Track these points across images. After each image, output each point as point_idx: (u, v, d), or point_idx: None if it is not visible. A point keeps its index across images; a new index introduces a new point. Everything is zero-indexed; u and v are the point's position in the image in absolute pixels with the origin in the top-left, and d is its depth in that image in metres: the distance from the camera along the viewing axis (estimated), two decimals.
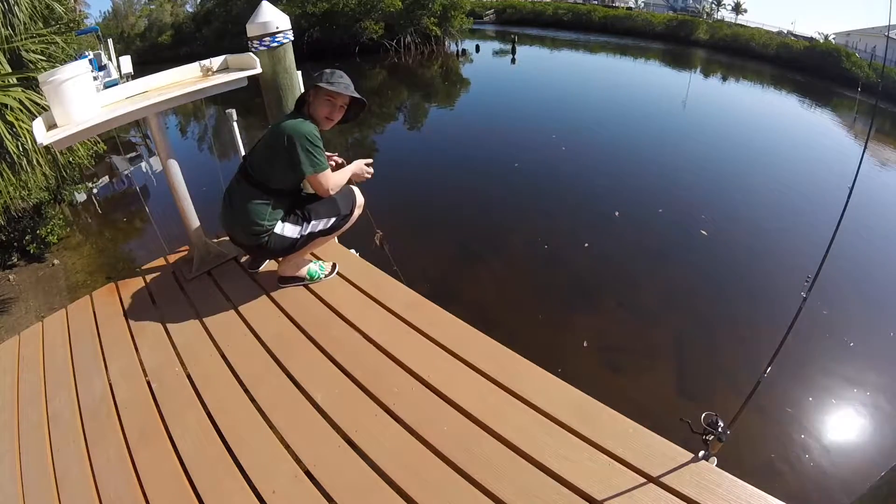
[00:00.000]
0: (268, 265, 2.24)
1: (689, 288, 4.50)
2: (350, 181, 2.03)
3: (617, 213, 5.80)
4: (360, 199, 2.04)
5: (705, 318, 4.11)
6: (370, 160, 2.07)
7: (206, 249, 2.30)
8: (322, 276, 2.10)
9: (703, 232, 5.47)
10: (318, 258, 2.23)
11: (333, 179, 1.88)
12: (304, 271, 2.07)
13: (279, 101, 2.25)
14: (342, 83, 1.83)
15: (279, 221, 1.86)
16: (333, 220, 1.95)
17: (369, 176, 2.08)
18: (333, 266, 2.16)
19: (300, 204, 1.94)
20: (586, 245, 5.05)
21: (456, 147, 8.70)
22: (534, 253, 4.98)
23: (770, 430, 3.01)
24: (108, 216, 6.41)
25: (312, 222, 1.91)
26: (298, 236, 1.90)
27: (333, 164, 2.05)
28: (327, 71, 1.84)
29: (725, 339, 3.83)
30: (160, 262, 2.40)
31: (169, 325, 1.95)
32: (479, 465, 1.29)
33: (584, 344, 3.67)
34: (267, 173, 1.79)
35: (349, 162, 2.08)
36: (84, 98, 1.74)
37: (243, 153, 2.05)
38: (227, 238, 2.46)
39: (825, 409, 3.25)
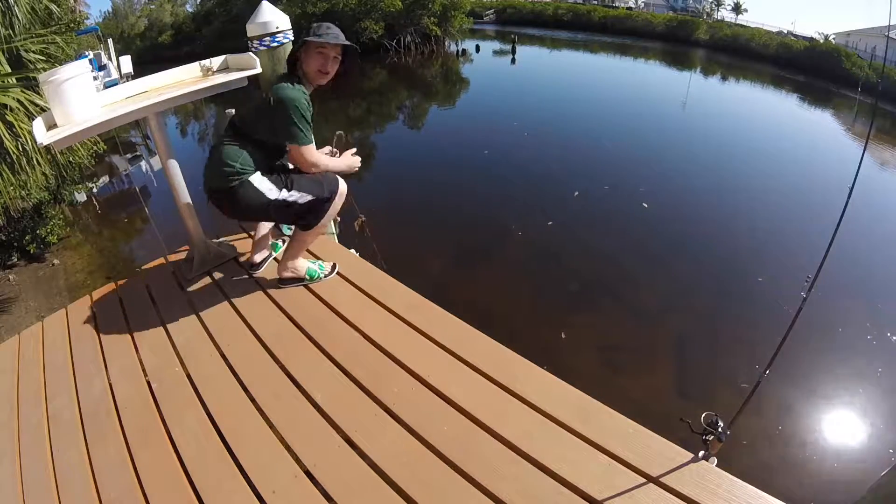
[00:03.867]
0: (268, 265, 2.24)
1: (689, 288, 4.50)
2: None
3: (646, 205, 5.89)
4: (342, 188, 1.96)
5: (706, 319, 4.11)
6: (359, 158, 2.07)
7: (206, 249, 2.29)
8: (322, 276, 2.10)
9: (644, 205, 5.51)
10: (318, 258, 2.22)
11: (316, 155, 1.86)
12: (303, 271, 2.07)
13: None
14: (331, 33, 1.79)
15: (257, 172, 1.81)
16: (311, 198, 1.86)
17: (356, 168, 2.08)
18: (333, 266, 2.16)
19: (284, 169, 1.92)
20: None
21: (454, 146, 8.71)
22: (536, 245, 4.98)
23: (770, 430, 3.01)
24: (108, 216, 6.41)
25: (292, 191, 1.83)
26: (273, 199, 1.82)
27: (328, 151, 2.09)
28: (314, 24, 1.81)
29: (726, 338, 3.83)
30: (160, 262, 2.40)
31: (169, 325, 1.94)
32: (479, 465, 1.29)
33: (563, 335, 3.67)
34: (252, 128, 1.80)
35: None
36: (84, 98, 1.74)
37: None
38: (228, 238, 2.47)
39: (825, 410, 3.25)
